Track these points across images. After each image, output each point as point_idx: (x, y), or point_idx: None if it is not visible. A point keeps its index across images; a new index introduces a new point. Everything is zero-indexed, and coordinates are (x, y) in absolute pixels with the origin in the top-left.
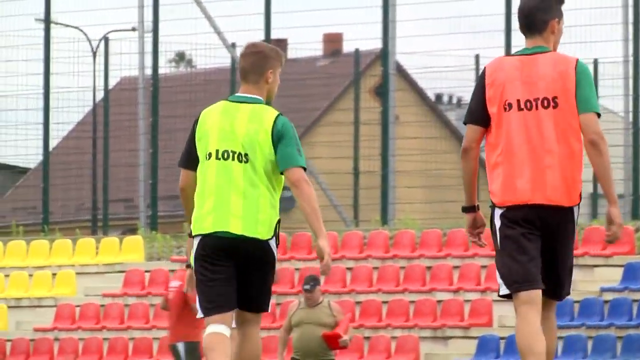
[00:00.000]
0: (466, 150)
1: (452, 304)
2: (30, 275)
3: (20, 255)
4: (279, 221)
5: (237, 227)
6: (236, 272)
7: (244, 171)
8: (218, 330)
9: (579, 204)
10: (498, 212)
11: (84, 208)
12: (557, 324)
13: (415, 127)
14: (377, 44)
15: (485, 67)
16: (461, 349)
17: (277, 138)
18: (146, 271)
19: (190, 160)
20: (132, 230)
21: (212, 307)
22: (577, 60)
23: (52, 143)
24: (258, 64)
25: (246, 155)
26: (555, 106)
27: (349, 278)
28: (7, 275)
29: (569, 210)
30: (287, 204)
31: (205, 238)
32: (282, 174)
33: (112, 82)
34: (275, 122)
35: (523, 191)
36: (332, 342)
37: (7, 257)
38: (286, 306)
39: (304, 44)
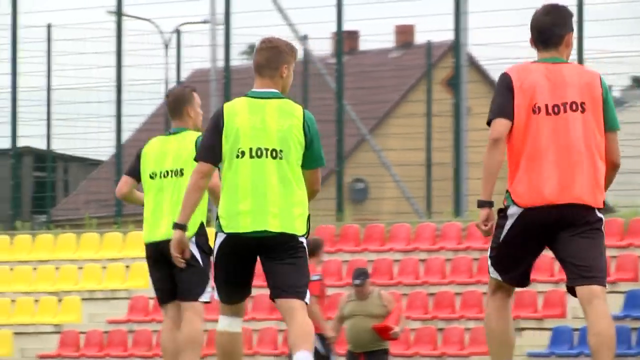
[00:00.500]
0: (497, 140)
1: (526, 295)
2: (104, 268)
3: (93, 248)
4: (309, 216)
5: (275, 225)
6: (270, 266)
7: (277, 168)
8: (235, 330)
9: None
10: (517, 210)
11: None
12: None
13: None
14: (449, 36)
15: (508, 71)
16: (535, 340)
17: (309, 134)
18: None
19: (214, 154)
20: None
21: (227, 298)
22: (600, 75)
23: (125, 135)
24: (273, 59)
25: (280, 151)
26: (583, 111)
27: (422, 270)
28: (80, 268)
29: (594, 211)
30: (358, 195)
31: (240, 237)
32: (304, 169)
33: (184, 75)
34: (304, 117)
35: (550, 193)
36: (383, 333)
37: (80, 250)
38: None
39: (376, 36)
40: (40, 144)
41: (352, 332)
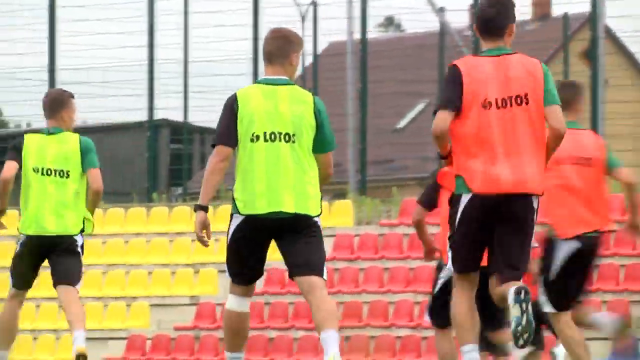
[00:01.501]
0: (437, 138)
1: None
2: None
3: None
4: (321, 197)
5: (290, 206)
6: (286, 245)
7: (291, 151)
8: (244, 309)
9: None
10: (466, 198)
11: None
12: None
13: (625, 91)
14: (586, 8)
15: (456, 65)
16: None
17: (319, 118)
18: (355, 235)
19: (231, 138)
20: (342, 195)
21: (239, 279)
22: (540, 62)
23: None
24: (283, 48)
25: (293, 135)
26: (527, 102)
27: None
28: (216, 240)
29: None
30: None
31: (257, 218)
32: (315, 153)
33: (321, 47)
34: (314, 102)
35: (504, 182)
36: None
37: (216, 222)
38: None
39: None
40: (177, 117)
41: None
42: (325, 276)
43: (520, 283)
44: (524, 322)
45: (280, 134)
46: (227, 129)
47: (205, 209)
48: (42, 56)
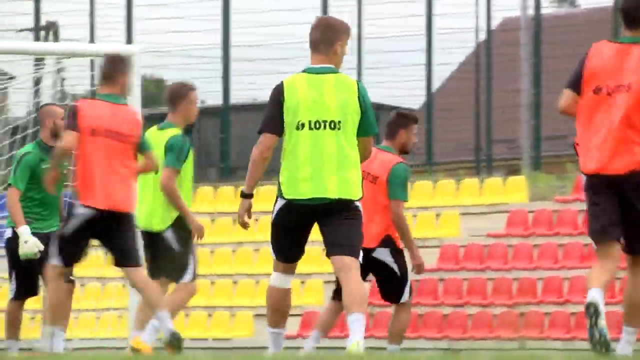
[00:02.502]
0: (563, 112)
1: None
2: (414, 216)
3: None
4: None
5: (333, 192)
6: (326, 226)
7: (335, 138)
8: (285, 286)
9: None
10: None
11: (467, 149)
12: None
13: None
14: None
15: (592, 47)
16: None
17: (363, 104)
18: (530, 211)
19: (276, 125)
20: (516, 171)
21: (282, 258)
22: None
23: (435, 84)
24: (328, 36)
25: (339, 122)
26: (628, 91)
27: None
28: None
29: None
30: None
31: (300, 203)
32: (359, 136)
33: (495, 23)
34: (359, 88)
35: (604, 162)
36: None
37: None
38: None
39: None
40: None
41: None
42: (361, 258)
43: None
44: None
45: (325, 122)
46: (273, 118)
47: (250, 196)
48: (215, 33)
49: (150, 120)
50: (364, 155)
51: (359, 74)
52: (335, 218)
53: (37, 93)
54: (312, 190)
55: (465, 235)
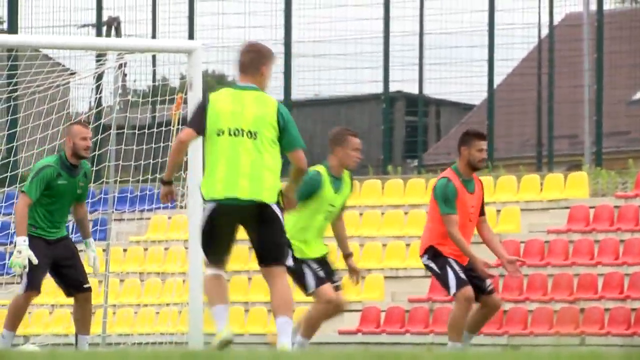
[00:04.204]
0: None
1: None
2: None
3: None
4: (281, 190)
5: (244, 193)
6: (251, 234)
7: (253, 145)
8: (220, 273)
9: None
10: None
11: (528, 144)
12: None
13: None
14: None
15: None
16: None
17: (282, 121)
18: (590, 207)
19: (198, 125)
20: (577, 167)
21: (210, 259)
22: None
23: (497, 80)
24: (255, 61)
25: (255, 132)
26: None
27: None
28: None
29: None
30: None
31: (219, 203)
32: (285, 152)
33: (557, 19)
34: (278, 107)
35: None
36: None
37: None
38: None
39: None
40: (413, 89)
41: None
42: (287, 261)
43: None
44: None
45: (243, 130)
46: (198, 118)
47: (170, 183)
48: (278, 29)
49: None
50: (298, 168)
51: (421, 69)
52: (256, 226)
53: (98, 89)
54: (225, 189)
55: (525, 231)
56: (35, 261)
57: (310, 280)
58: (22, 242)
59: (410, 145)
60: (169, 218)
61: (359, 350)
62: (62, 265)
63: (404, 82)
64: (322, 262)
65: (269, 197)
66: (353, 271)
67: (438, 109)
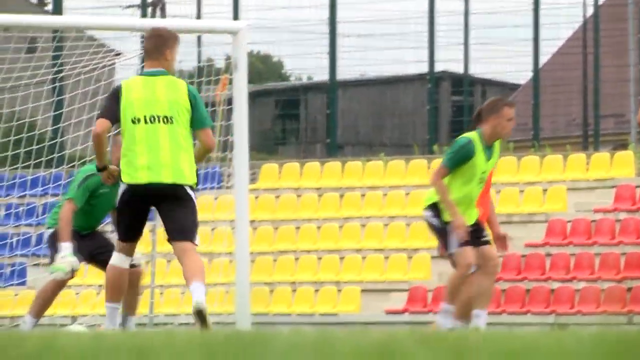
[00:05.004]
0: None
1: None
2: (521, 191)
3: (511, 172)
4: (197, 170)
5: (168, 177)
6: (163, 213)
7: (169, 130)
8: (124, 266)
9: None
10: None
11: (574, 124)
12: None
13: None
14: None
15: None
16: None
17: (194, 100)
18: (637, 186)
19: (111, 114)
20: (623, 146)
21: (123, 237)
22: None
23: (542, 59)
24: (158, 45)
25: (171, 117)
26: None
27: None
28: (498, 192)
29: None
30: None
31: (139, 187)
32: (195, 129)
33: None
34: (187, 88)
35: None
36: None
37: (498, 173)
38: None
39: None
40: (458, 68)
41: None
42: (196, 241)
43: None
44: None
45: (159, 116)
46: (110, 109)
47: (105, 169)
48: (323, 9)
49: (255, 95)
50: (206, 146)
51: (466, 49)
52: (169, 204)
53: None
54: (148, 176)
55: (572, 210)
56: (77, 268)
57: (453, 240)
58: (67, 246)
59: (456, 124)
60: (215, 199)
61: (405, 331)
62: (98, 253)
63: (449, 61)
64: (473, 227)
65: (190, 178)
66: (500, 238)
67: (484, 89)
